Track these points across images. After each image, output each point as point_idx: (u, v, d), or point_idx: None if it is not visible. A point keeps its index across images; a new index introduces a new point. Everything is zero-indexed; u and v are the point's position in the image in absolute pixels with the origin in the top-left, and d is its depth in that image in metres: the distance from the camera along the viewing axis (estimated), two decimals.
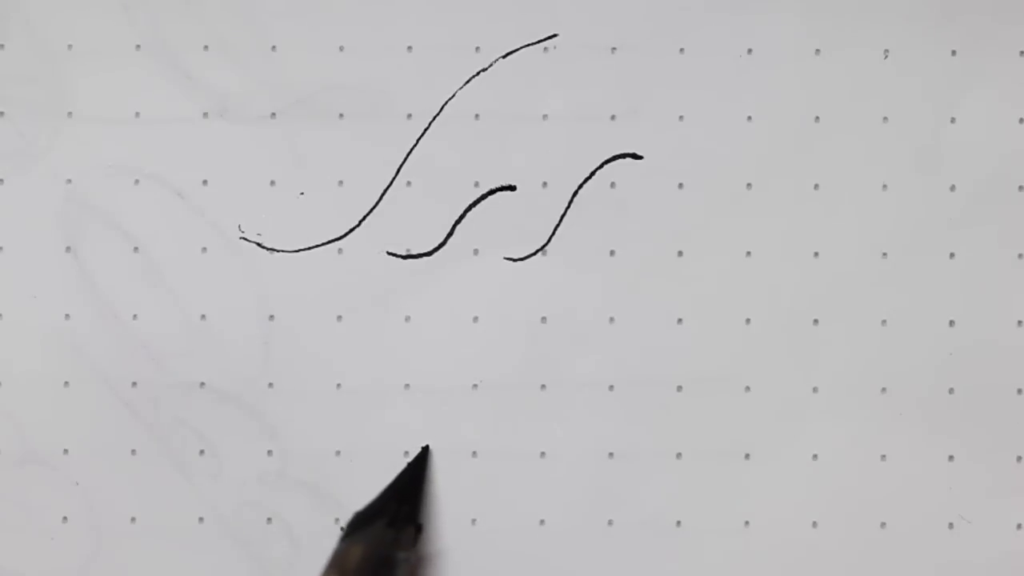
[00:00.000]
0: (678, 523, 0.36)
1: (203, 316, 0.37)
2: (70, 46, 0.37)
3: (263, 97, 0.37)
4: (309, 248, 0.37)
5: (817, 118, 0.37)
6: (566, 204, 0.37)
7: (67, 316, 0.37)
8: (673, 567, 0.36)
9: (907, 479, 0.36)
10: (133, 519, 0.36)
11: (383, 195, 0.37)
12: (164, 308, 0.37)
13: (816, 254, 0.37)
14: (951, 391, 0.36)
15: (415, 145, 0.37)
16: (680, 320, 0.37)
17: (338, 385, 0.37)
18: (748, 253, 0.37)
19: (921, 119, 0.37)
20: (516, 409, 0.36)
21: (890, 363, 0.36)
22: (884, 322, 0.36)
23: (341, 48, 0.37)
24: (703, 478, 0.36)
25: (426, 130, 0.37)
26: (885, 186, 0.37)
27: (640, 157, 0.37)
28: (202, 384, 0.37)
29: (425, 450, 0.36)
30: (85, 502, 0.36)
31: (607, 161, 0.37)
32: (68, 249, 0.37)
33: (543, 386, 0.36)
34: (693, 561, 0.36)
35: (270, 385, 0.37)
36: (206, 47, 0.37)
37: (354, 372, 0.37)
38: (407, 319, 0.37)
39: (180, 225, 0.37)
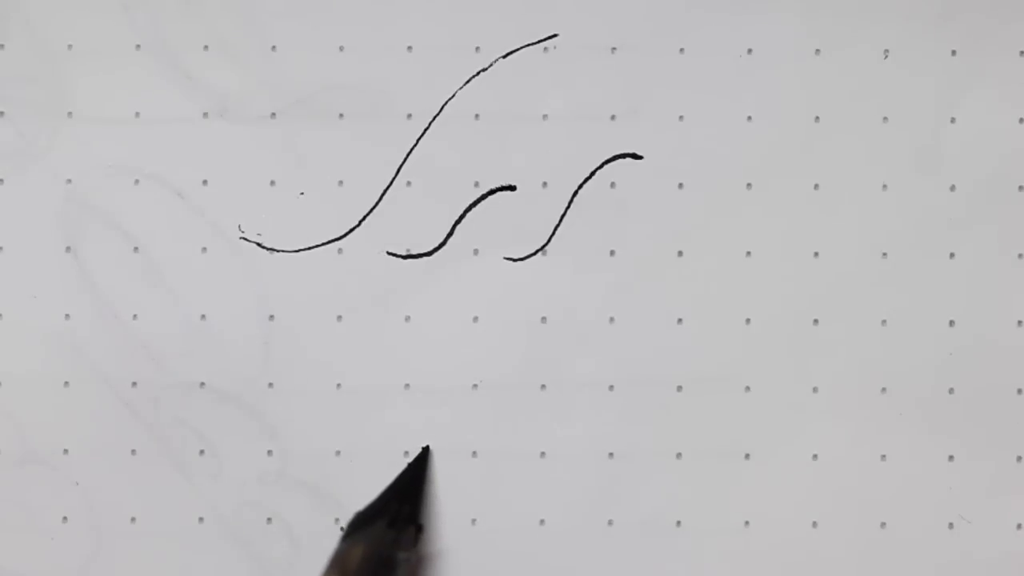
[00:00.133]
0: (678, 523, 0.36)
1: (203, 316, 0.37)
2: (70, 46, 0.37)
3: (263, 97, 0.37)
4: (309, 248, 0.37)
5: (817, 118, 0.37)
6: (566, 204, 0.37)
7: (67, 316, 0.37)
8: (673, 567, 0.36)
9: (907, 479, 0.36)
10: (133, 519, 0.36)
11: (383, 195, 0.37)
12: (164, 308, 0.37)
13: (816, 254, 0.37)
14: (951, 391, 0.36)
15: (415, 145, 0.37)
16: (680, 320, 0.37)
17: (338, 385, 0.37)
18: (748, 253, 0.37)
19: (921, 119, 0.37)
20: (516, 409, 0.36)
21: (890, 363, 0.36)
22: (884, 322, 0.36)
23: (341, 48, 0.37)
24: (703, 478, 0.36)
25: (426, 130, 0.37)
26: (885, 186, 0.37)
27: (640, 157, 0.37)
28: (202, 384, 0.37)
29: (425, 450, 0.36)
30: (85, 502, 0.36)
31: (607, 161, 0.37)
32: (68, 249, 0.37)
33: (543, 386, 0.36)
34: (693, 561, 0.36)
35: (270, 385, 0.37)
36: (206, 47, 0.37)
37: (354, 372, 0.37)
38: (407, 319, 0.37)
39: (180, 225, 0.37)
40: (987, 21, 0.37)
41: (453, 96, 0.37)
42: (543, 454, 0.36)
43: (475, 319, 0.37)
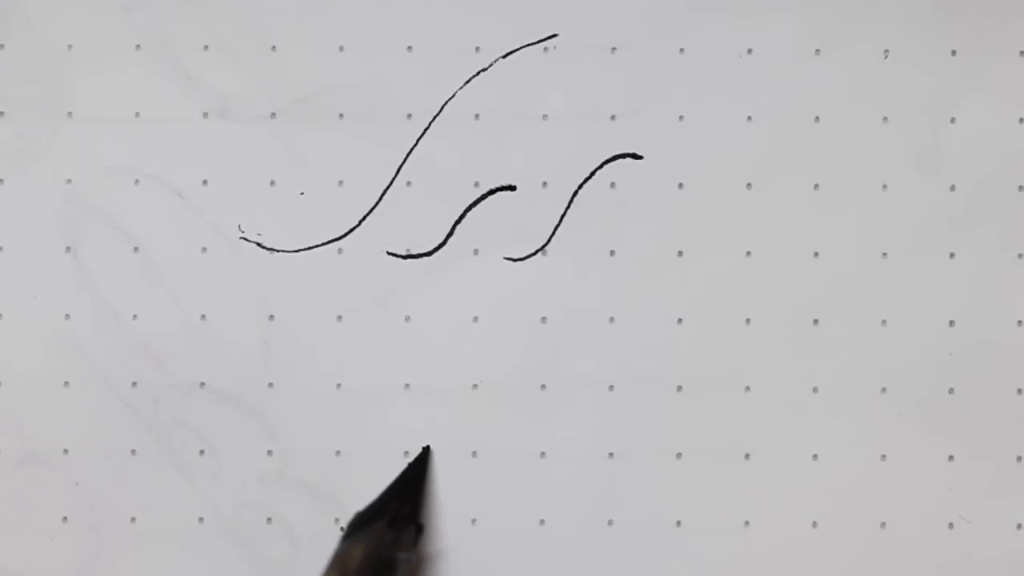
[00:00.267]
0: (678, 523, 0.36)
1: (203, 316, 0.37)
2: (70, 46, 0.37)
3: (263, 97, 0.37)
4: (309, 248, 0.37)
5: (817, 118, 0.37)
6: (566, 204, 0.37)
7: (67, 316, 0.37)
8: (673, 567, 0.36)
9: (907, 479, 0.36)
10: (133, 519, 0.36)
11: (383, 195, 0.37)
12: (164, 308, 0.37)
13: (816, 254, 0.37)
14: (951, 391, 0.36)
15: (415, 145, 0.37)
16: (680, 320, 0.37)
17: (338, 385, 0.37)
18: (748, 253, 0.37)
19: (921, 119, 0.37)
20: (516, 409, 0.36)
21: (890, 363, 0.36)
22: (884, 322, 0.36)
23: (341, 48, 0.37)
24: (703, 478, 0.36)
25: (426, 130, 0.37)
26: (885, 186, 0.37)
27: (640, 157, 0.37)
28: (202, 384, 0.37)
29: (426, 450, 0.36)
30: (85, 502, 0.36)
31: (607, 161, 0.37)
32: (68, 249, 0.37)
33: (543, 386, 0.36)
34: (693, 561, 0.36)
35: (270, 385, 0.37)
36: (206, 47, 0.37)
37: (354, 372, 0.37)
38: (407, 319, 0.37)
39: (180, 225, 0.37)
40: (987, 21, 0.37)
41: (453, 96, 0.37)
42: (543, 454, 0.36)
43: (475, 319, 0.37)
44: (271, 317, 0.37)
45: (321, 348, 0.37)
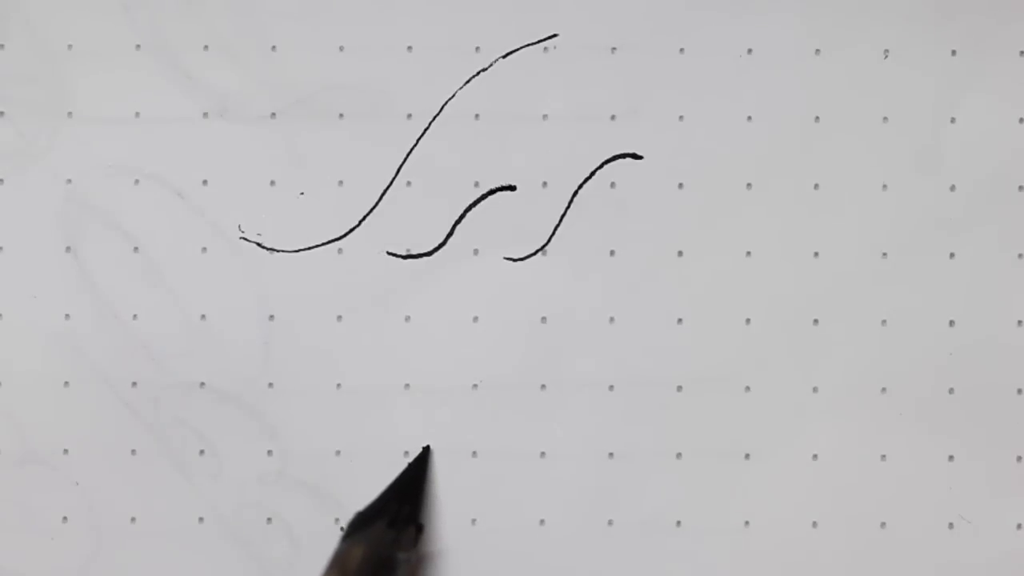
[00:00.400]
0: (678, 523, 0.36)
1: (203, 316, 0.37)
2: (70, 46, 0.37)
3: (263, 97, 0.37)
4: (309, 248, 0.37)
5: (817, 118, 0.37)
6: (566, 204, 0.37)
7: (67, 316, 0.37)
8: (673, 567, 0.36)
9: (907, 479, 0.36)
10: (133, 519, 0.36)
11: (383, 195, 0.37)
12: (164, 308, 0.37)
13: (816, 254, 0.37)
14: (951, 391, 0.36)
15: (415, 145, 0.37)
16: (680, 320, 0.37)
17: (338, 385, 0.37)
18: (748, 253, 0.37)
19: (921, 119, 0.37)
20: (516, 409, 0.36)
21: (890, 363, 0.36)
22: (884, 322, 0.36)
23: (341, 48, 0.37)
24: (703, 478, 0.36)
25: (426, 130, 0.37)
26: (885, 186, 0.37)
27: (640, 157, 0.37)
28: (202, 384, 0.37)
29: (426, 450, 0.36)
30: (85, 502, 0.36)
31: (607, 161, 0.37)
32: (68, 249, 0.37)
33: (543, 386, 0.36)
34: (693, 561, 0.36)
35: (270, 385, 0.37)
36: (206, 47, 0.37)
37: (354, 372, 0.37)
38: (407, 319, 0.37)
39: (180, 225, 0.37)
40: (987, 21, 0.37)
41: (453, 96, 0.37)
42: (543, 454, 0.36)
43: (475, 319, 0.37)
44: (271, 317, 0.37)
45: (321, 348, 0.37)
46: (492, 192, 0.37)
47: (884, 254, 0.36)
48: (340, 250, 0.37)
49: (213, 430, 0.36)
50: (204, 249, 0.37)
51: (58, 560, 0.36)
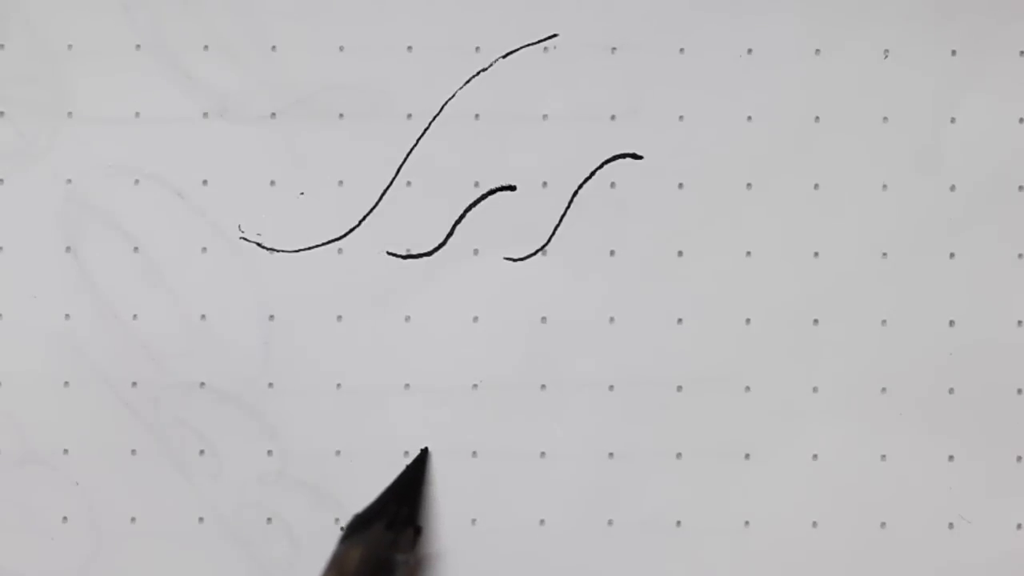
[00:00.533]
0: (678, 523, 0.36)
1: (203, 316, 0.37)
2: (70, 46, 0.37)
3: (263, 97, 0.37)
4: (309, 248, 0.37)
5: (817, 118, 0.37)
6: (566, 204, 0.37)
7: (67, 316, 0.37)
8: (673, 567, 0.36)
9: (907, 479, 0.36)
10: (133, 519, 0.36)
11: (383, 195, 0.37)
12: (164, 308, 0.37)
13: (816, 254, 0.37)
14: (951, 391, 0.36)
15: (415, 145, 0.37)
16: (680, 320, 0.37)
17: (338, 385, 0.37)
18: (748, 253, 0.37)
19: (921, 119, 0.37)
20: (516, 409, 0.36)
21: (890, 363, 0.36)
22: (884, 322, 0.36)
23: (341, 48, 0.37)
24: (703, 478, 0.36)
25: (426, 130, 0.37)
26: (885, 186, 0.37)
27: (640, 157, 0.37)
28: (202, 384, 0.37)
29: (424, 452, 0.36)
30: (85, 502, 0.36)
31: (607, 161, 0.37)
32: (68, 249, 0.37)
33: (543, 386, 0.36)
34: (693, 561, 0.36)
35: (270, 385, 0.37)
36: (206, 47, 0.37)
37: (354, 372, 0.37)
38: (407, 319, 0.37)
39: (180, 225, 0.37)
40: (987, 21, 0.37)
41: (453, 96, 0.37)
42: (543, 454, 0.36)
43: (475, 319, 0.37)
44: (271, 317, 0.37)
45: (321, 348, 0.37)
46: (492, 192, 0.37)
47: (884, 254, 0.36)
48: (340, 250, 0.37)
49: (213, 430, 0.36)
50: (204, 249, 0.37)
51: (58, 560, 0.36)
